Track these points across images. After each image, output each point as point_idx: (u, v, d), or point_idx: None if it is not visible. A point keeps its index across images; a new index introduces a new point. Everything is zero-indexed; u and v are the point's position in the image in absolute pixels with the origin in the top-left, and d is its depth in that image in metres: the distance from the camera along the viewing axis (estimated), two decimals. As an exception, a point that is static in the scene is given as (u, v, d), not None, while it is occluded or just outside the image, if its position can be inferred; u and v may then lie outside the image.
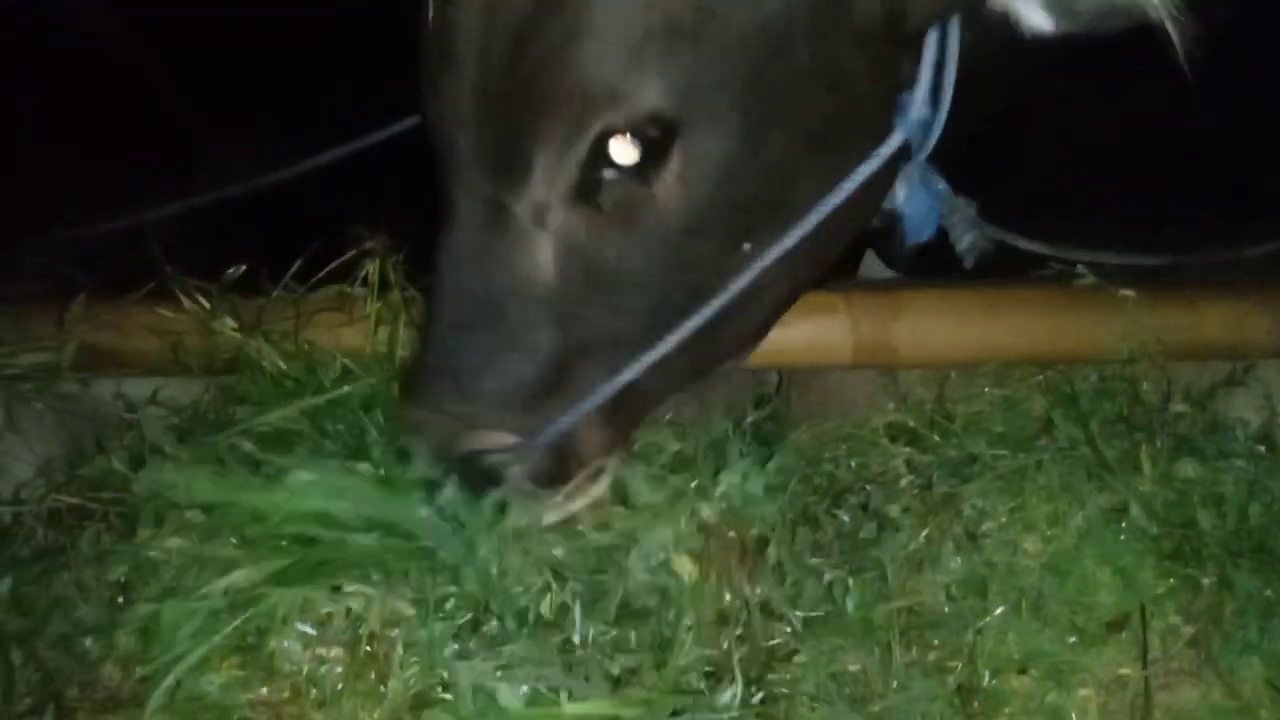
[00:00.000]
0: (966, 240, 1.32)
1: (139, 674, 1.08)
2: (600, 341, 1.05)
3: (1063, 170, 1.68)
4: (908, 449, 1.40)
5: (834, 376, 1.54)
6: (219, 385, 1.37)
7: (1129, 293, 1.43)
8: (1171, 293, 1.45)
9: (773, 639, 1.14)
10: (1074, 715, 1.15)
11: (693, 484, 1.22)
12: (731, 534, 1.17)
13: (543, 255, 0.99)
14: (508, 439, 1.07)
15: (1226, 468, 1.32)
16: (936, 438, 1.39)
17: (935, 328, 1.42)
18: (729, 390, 1.58)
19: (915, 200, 1.22)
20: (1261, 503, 1.28)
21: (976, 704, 1.16)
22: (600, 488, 1.15)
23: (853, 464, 1.41)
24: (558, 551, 1.16)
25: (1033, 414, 1.41)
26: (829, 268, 1.20)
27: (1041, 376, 1.44)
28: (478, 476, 1.10)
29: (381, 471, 1.16)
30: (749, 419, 1.40)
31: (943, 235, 1.32)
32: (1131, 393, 1.40)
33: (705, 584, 1.13)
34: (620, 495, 1.19)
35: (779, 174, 1.00)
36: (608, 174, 0.94)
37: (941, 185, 1.26)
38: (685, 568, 1.13)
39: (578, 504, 1.15)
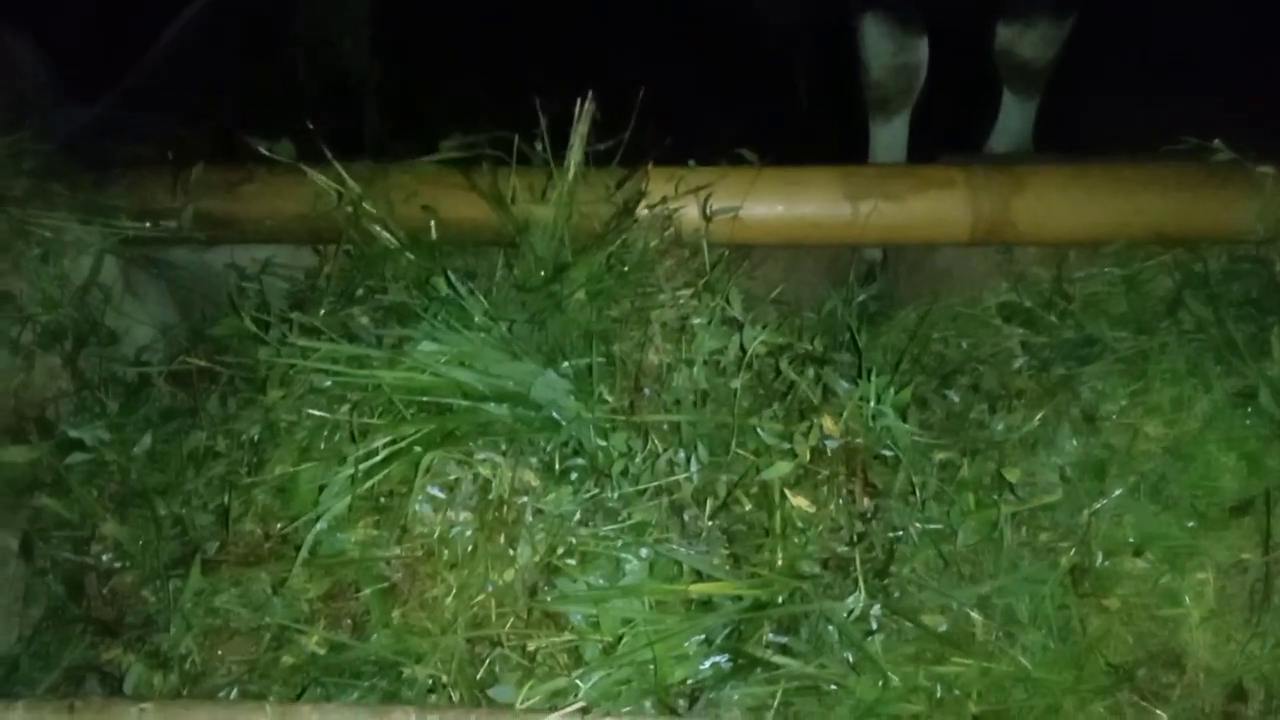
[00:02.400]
0: None
1: (279, 530, 1.13)
2: None
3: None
4: (1022, 330, 1.37)
5: (944, 255, 1.50)
6: (336, 255, 1.38)
7: (1267, 169, 1.36)
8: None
9: (889, 531, 1.14)
10: (1189, 598, 1.14)
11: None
12: (857, 444, 1.16)
13: None
14: None
15: (1363, 354, 1.26)
16: (1053, 318, 1.36)
17: (1059, 204, 1.37)
18: (834, 266, 1.56)
19: None
20: (1399, 390, 1.23)
21: (1088, 584, 1.16)
22: None
23: (963, 344, 1.39)
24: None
25: (1157, 295, 1.36)
26: None
27: (1167, 256, 1.38)
28: None
29: (507, 342, 1.17)
30: (859, 296, 1.38)
31: None
32: (1264, 274, 1.34)
33: (822, 513, 1.13)
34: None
35: None
36: None
37: None
38: (801, 503, 1.12)
39: None
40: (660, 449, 1.19)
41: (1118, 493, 1.18)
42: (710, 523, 1.16)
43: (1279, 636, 1.12)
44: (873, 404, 1.17)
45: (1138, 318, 1.33)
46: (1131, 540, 1.17)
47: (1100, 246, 1.39)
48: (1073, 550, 1.16)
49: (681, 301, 1.31)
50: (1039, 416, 1.24)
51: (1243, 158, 1.37)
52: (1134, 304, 1.34)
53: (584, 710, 0.85)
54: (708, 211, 1.37)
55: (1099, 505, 1.17)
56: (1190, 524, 1.17)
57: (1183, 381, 1.23)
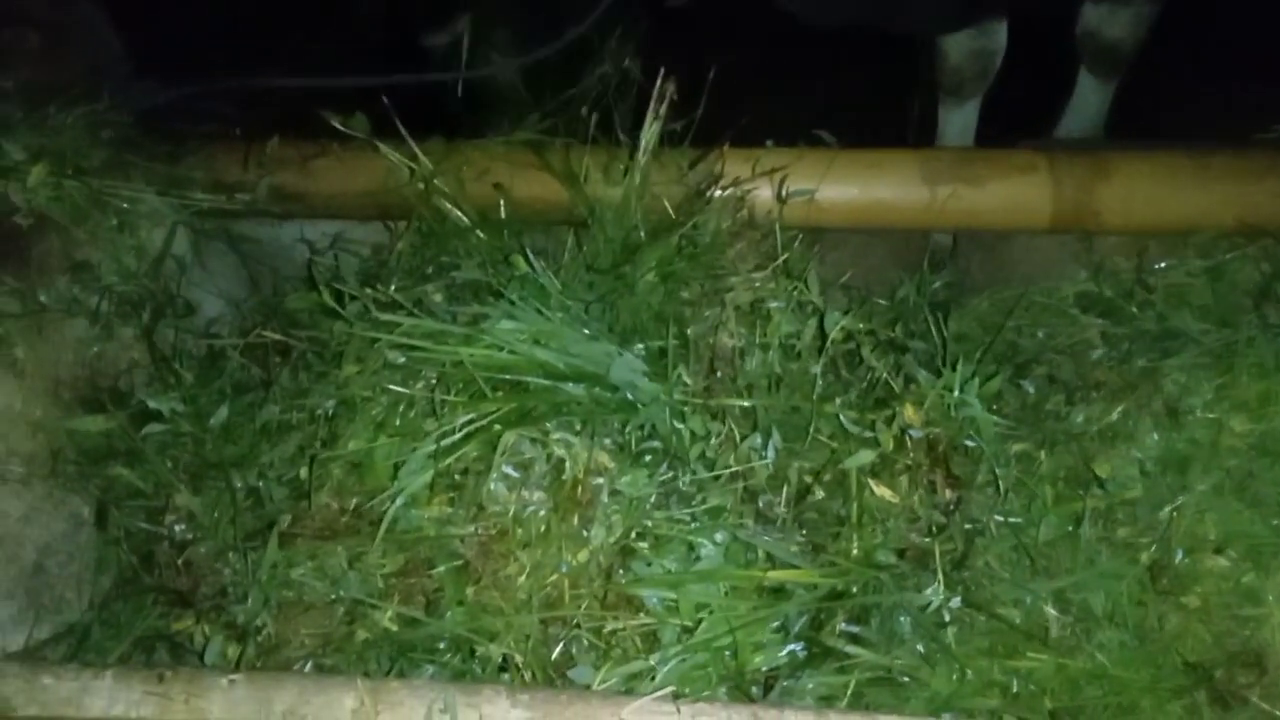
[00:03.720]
0: None
1: (354, 505, 1.14)
2: None
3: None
4: (1101, 320, 1.34)
5: (1019, 242, 1.48)
6: (408, 231, 1.38)
7: (1364, 159, 1.32)
8: None
9: (968, 523, 1.13)
10: (1271, 597, 1.11)
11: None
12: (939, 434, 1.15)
13: None
14: None
15: None
16: (1134, 309, 1.33)
17: (1144, 192, 1.34)
18: (904, 253, 1.54)
19: None
20: None
21: (1166, 582, 1.14)
22: None
23: (1039, 334, 1.37)
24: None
25: (1241, 287, 1.32)
26: None
27: (1253, 247, 1.35)
28: None
29: (583, 322, 1.16)
30: (936, 282, 1.36)
31: None
32: (1356, 268, 1.30)
33: (906, 501, 1.12)
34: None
35: None
36: None
37: None
38: (884, 493, 1.11)
39: None
40: (736, 434, 1.18)
41: (1200, 489, 1.16)
42: (786, 509, 1.15)
43: (1364, 639, 1.09)
44: (956, 394, 1.15)
45: (1222, 310, 1.30)
46: (1213, 537, 1.15)
47: (1185, 236, 1.36)
48: (1153, 546, 1.14)
49: (755, 284, 1.30)
50: (1119, 409, 1.22)
51: (1336, 146, 1.33)
52: (1218, 296, 1.31)
53: (675, 695, 0.85)
54: (783, 194, 1.35)
55: (1180, 501, 1.15)
56: (1275, 522, 1.14)
57: (1270, 376, 1.20)
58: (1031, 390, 1.29)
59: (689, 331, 1.26)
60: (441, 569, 1.13)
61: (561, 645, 1.06)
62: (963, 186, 1.35)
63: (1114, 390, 1.24)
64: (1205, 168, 1.34)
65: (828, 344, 1.23)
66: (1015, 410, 1.27)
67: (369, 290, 1.28)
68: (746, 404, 1.20)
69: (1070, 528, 1.15)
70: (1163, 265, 1.36)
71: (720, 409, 1.20)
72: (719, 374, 1.25)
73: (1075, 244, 1.42)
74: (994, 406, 1.24)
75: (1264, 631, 1.11)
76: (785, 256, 1.31)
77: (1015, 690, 1.07)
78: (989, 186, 1.33)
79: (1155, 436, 1.20)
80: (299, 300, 1.39)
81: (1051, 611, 1.12)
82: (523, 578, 1.11)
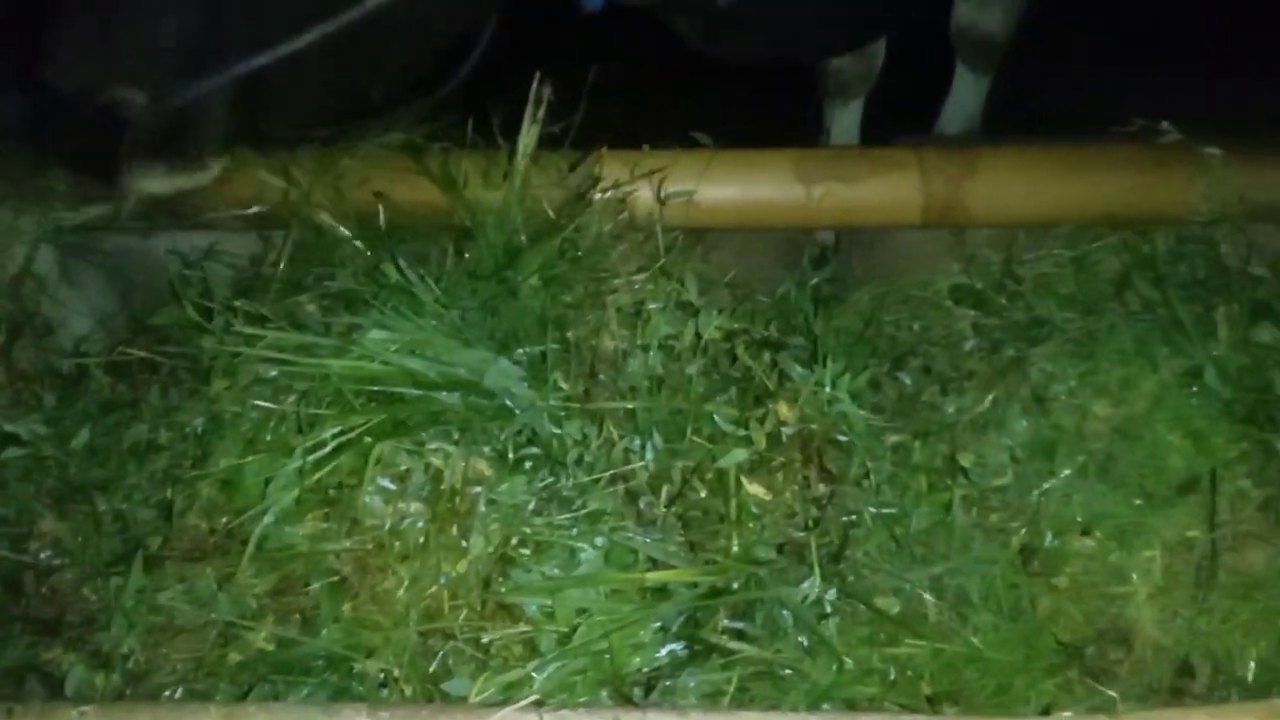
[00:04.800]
0: None
1: (224, 524, 1.11)
2: (243, 21, 1.11)
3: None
4: (973, 311, 1.38)
5: (897, 237, 1.51)
6: (285, 242, 1.35)
7: (1214, 150, 1.37)
8: (1259, 150, 1.39)
9: (843, 516, 1.14)
10: (1136, 576, 1.15)
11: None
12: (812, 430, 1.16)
13: None
14: (138, 97, 1.11)
15: (1305, 333, 1.28)
16: (1004, 300, 1.37)
17: (1011, 186, 1.38)
18: (787, 249, 1.56)
19: None
20: (1338, 368, 1.25)
21: (1037, 564, 1.17)
22: (206, 177, 1.23)
23: (915, 326, 1.40)
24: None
25: (1104, 276, 1.37)
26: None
27: (1115, 238, 1.40)
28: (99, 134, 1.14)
29: (459, 329, 1.15)
30: (813, 280, 1.38)
31: None
32: (1210, 255, 1.36)
33: (778, 500, 1.13)
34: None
35: None
36: None
37: None
38: (758, 491, 1.12)
39: (182, 182, 1.22)
40: (616, 436, 1.18)
41: (1066, 473, 1.19)
42: (665, 510, 1.15)
43: (1225, 612, 1.13)
44: (828, 390, 1.17)
45: (1086, 299, 1.34)
46: (1080, 519, 1.18)
47: (1051, 228, 1.40)
48: (1023, 530, 1.17)
49: (637, 286, 1.30)
50: (989, 398, 1.25)
51: (1190, 139, 1.39)
52: (1083, 285, 1.35)
53: (538, 703, 0.84)
54: (662, 195, 1.36)
55: (1048, 485, 1.19)
56: (1137, 502, 1.18)
57: (1130, 362, 1.24)
58: (908, 382, 1.32)
59: (570, 335, 1.26)
60: (316, 586, 1.10)
61: (440, 658, 1.05)
62: (836, 184, 1.37)
63: (985, 379, 1.28)
64: (1068, 161, 1.38)
65: (704, 344, 1.24)
66: (892, 402, 1.29)
67: (240, 303, 1.25)
68: (625, 406, 1.20)
69: (944, 515, 1.17)
70: (1031, 257, 1.41)
71: (599, 412, 1.20)
72: (600, 377, 1.24)
73: (949, 238, 1.45)
74: (872, 399, 1.27)
75: (1130, 609, 1.15)
76: (665, 258, 1.31)
77: (893, 677, 1.09)
78: (862, 184, 1.36)
79: (1024, 423, 1.24)
80: (168, 315, 1.34)
81: (928, 598, 1.14)
82: (401, 591, 1.10)
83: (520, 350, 1.21)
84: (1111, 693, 1.11)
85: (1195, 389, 1.23)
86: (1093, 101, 1.39)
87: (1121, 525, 1.17)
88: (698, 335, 1.24)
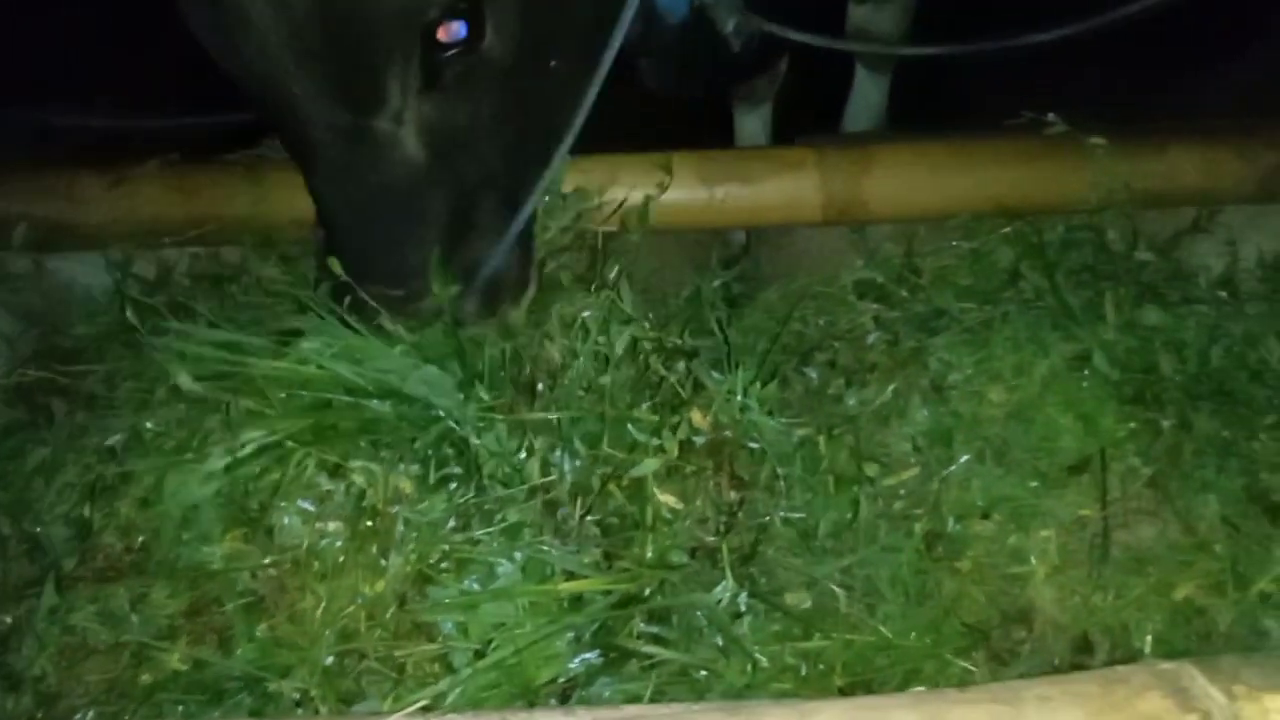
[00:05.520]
0: (731, 24, 1.36)
1: (140, 543, 1.10)
2: (491, 184, 1.16)
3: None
4: (876, 305, 1.40)
5: (803, 235, 1.53)
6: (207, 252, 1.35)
7: (1099, 140, 1.42)
8: (1143, 139, 1.44)
9: (754, 520, 1.17)
10: (1034, 556, 1.19)
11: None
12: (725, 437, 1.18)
13: (410, 147, 1.07)
14: (450, 290, 1.16)
15: (1189, 313, 1.33)
16: (904, 293, 1.40)
17: (906, 181, 1.41)
18: (697, 251, 1.58)
19: None
20: (1222, 346, 1.30)
21: (941, 549, 1.20)
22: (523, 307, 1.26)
23: (821, 322, 1.42)
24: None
25: (1000, 266, 1.41)
26: None
27: (1009, 228, 1.43)
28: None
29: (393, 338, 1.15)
30: (717, 281, 1.40)
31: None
32: (1098, 242, 1.41)
33: (689, 507, 1.15)
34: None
35: None
36: (443, 57, 1.02)
37: None
38: (669, 500, 1.14)
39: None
40: (537, 447, 1.19)
41: (965, 458, 1.23)
42: (586, 519, 1.16)
43: (1119, 588, 1.18)
44: (740, 398, 1.19)
45: (983, 289, 1.38)
46: (979, 503, 1.21)
47: (947, 221, 1.43)
48: (926, 517, 1.20)
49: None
50: (891, 389, 1.28)
51: (1076, 129, 1.43)
52: (978, 276, 1.39)
53: (425, 709, 0.86)
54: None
55: (948, 471, 1.22)
56: (1033, 484, 1.22)
57: (1023, 348, 1.28)
58: (814, 376, 1.34)
59: (504, 346, 1.26)
60: (231, 606, 1.10)
61: (355, 677, 1.05)
62: (738, 186, 1.39)
63: (886, 371, 1.30)
64: (962, 155, 1.42)
65: (619, 353, 1.25)
66: (799, 397, 1.32)
67: (161, 317, 1.24)
68: (544, 416, 1.21)
69: (851, 510, 1.20)
70: (931, 250, 1.44)
71: (521, 423, 1.21)
72: (539, 387, 1.24)
73: (853, 234, 1.48)
74: (780, 395, 1.29)
75: (1029, 589, 1.19)
76: (604, 265, 1.33)
77: (805, 672, 1.12)
78: (762, 184, 1.38)
79: (924, 412, 1.27)
80: (83, 330, 1.33)
81: (838, 591, 1.17)
82: (319, 611, 1.10)
83: (455, 361, 1.21)
84: (1015, 672, 1.14)
85: (1085, 372, 1.27)
86: (982, 95, 1.41)
87: (1018, 507, 1.21)
88: (633, 343, 1.25)
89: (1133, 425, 1.24)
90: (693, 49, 1.44)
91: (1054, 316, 1.31)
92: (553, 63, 1.12)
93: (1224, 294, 1.39)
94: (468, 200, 1.15)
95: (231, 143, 1.52)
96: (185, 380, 1.17)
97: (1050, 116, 1.44)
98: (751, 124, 1.92)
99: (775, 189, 1.40)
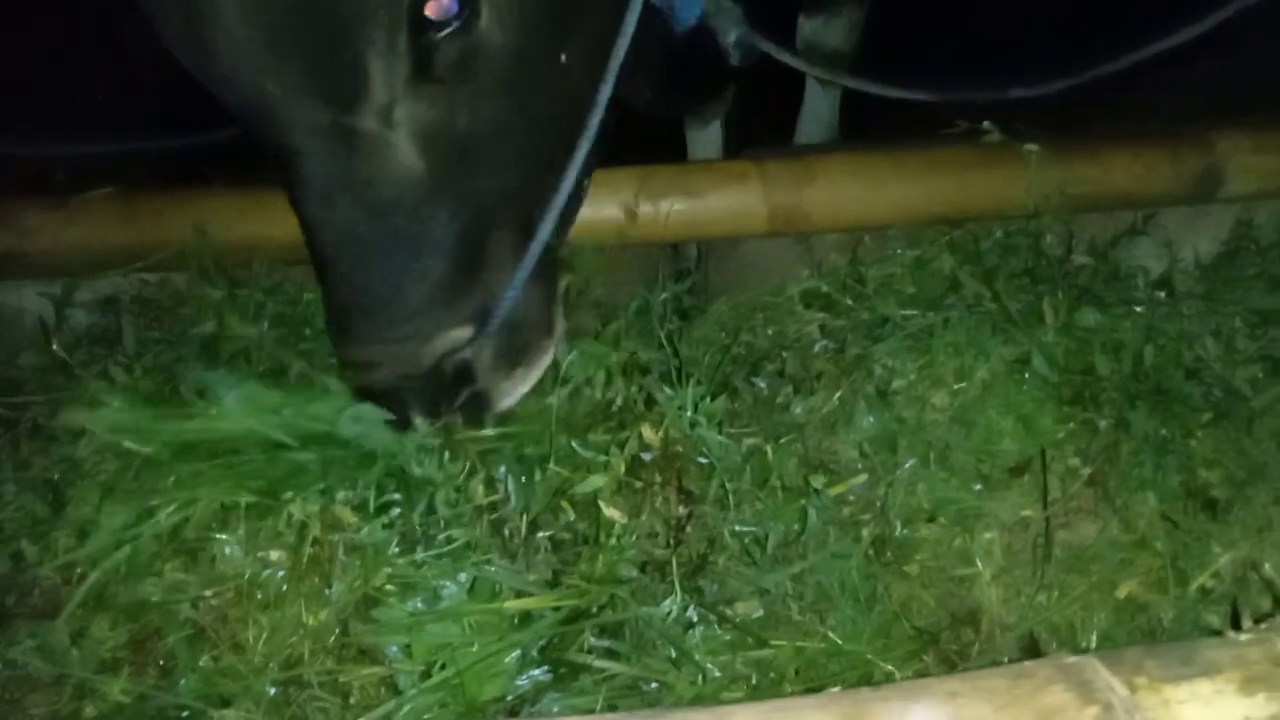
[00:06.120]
0: (733, 35, 1.33)
1: (78, 575, 1.09)
2: (501, 203, 1.03)
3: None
4: (822, 314, 1.42)
5: (751, 246, 1.54)
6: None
7: (1034, 147, 1.44)
8: (1077, 145, 1.46)
9: (706, 531, 1.17)
10: (979, 558, 1.20)
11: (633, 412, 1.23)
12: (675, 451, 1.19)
13: (404, 151, 0.94)
14: (463, 333, 1.06)
15: (1126, 314, 1.36)
16: (850, 302, 1.42)
17: (847, 191, 1.43)
18: (648, 265, 1.59)
19: None
20: (1157, 345, 1.33)
21: (889, 553, 1.22)
22: (549, 355, 1.19)
23: (769, 332, 1.43)
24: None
25: (941, 273, 1.43)
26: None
27: (950, 236, 1.46)
28: (441, 387, 1.10)
29: (311, 380, 1.15)
30: (665, 294, 1.41)
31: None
32: (1035, 247, 1.43)
33: (637, 521, 1.15)
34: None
35: None
36: (434, 38, 0.89)
37: None
38: (615, 515, 1.14)
39: (536, 373, 1.18)
40: (480, 468, 1.19)
41: (910, 463, 1.24)
42: (535, 537, 1.17)
43: (1063, 586, 1.19)
44: (690, 414, 1.20)
45: (925, 296, 1.39)
46: (925, 507, 1.23)
47: (889, 230, 1.45)
48: (873, 522, 1.22)
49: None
50: (837, 396, 1.29)
51: (1011, 138, 1.46)
52: (920, 283, 1.41)
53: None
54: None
55: (894, 476, 1.23)
56: (976, 487, 1.24)
57: (964, 353, 1.30)
58: (763, 386, 1.35)
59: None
60: (173, 638, 1.09)
61: (300, 704, 1.04)
62: (682, 199, 1.40)
63: (832, 379, 1.32)
64: (899, 165, 1.44)
65: (566, 371, 1.26)
66: (748, 407, 1.33)
67: (98, 352, 1.24)
68: (487, 434, 1.21)
69: (800, 518, 1.21)
70: (876, 259, 1.46)
71: (463, 446, 1.20)
72: None
73: (799, 245, 1.50)
74: (731, 405, 1.30)
75: (976, 591, 1.20)
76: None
77: (756, 681, 1.12)
78: (707, 197, 1.40)
79: (870, 418, 1.28)
80: (30, 358, 1.32)
81: (790, 599, 1.18)
82: (261, 641, 1.09)
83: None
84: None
85: (1025, 375, 1.29)
86: (917, 106, 1.43)
87: (963, 510, 1.22)
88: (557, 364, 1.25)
89: (1071, 426, 1.26)
90: (691, 60, 1.38)
91: (994, 321, 1.33)
92: (561, 55, 0.99)
93: (1161, 294, 1.42)
94: (474, 223, 1.01)
95: (183, 166, 1.52)
96: (105, 434, 1.15)
97: (985, 125, 1.46)
98: (701, 140, 1.93)
99: (719, 202, 1.41)
